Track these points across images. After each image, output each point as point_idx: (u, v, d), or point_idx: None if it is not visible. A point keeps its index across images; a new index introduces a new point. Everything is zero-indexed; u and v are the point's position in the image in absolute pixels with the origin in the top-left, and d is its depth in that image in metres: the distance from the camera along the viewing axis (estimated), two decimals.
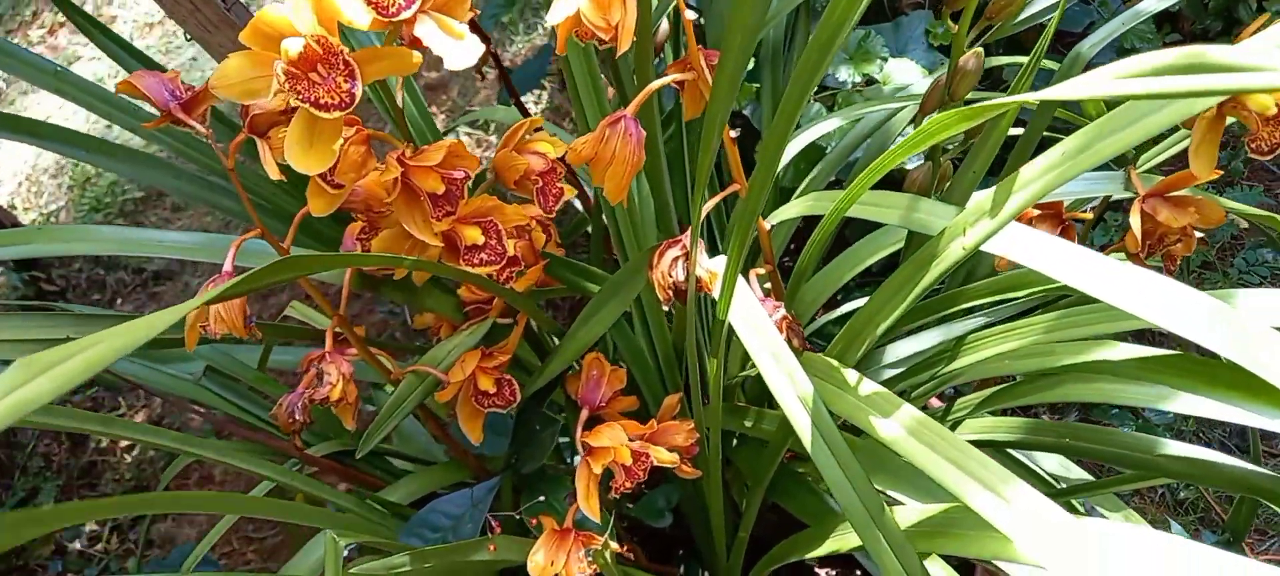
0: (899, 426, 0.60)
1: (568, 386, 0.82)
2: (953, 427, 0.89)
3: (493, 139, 2.23)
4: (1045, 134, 0.77)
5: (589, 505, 0.67)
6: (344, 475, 0.93)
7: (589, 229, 1.02)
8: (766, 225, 0.74)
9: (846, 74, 1.36)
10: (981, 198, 0.57)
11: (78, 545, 1.99)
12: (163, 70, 0.88)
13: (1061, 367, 0.70)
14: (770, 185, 0.58)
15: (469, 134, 2.25)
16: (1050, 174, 0.55)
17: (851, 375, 0.67)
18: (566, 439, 0.92)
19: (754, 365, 0.84)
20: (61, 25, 3.14)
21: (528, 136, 0.67)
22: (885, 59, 1.41)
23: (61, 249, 0.71)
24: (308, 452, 0.88)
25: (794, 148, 1.05)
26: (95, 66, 2.80)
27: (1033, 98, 0.46)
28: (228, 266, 0.63)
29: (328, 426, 0.95)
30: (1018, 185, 0.56)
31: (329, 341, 0.70)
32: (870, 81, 1.42)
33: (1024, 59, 1.19)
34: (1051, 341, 0.75)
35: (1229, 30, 1.68)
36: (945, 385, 0.81)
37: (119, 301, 2.39)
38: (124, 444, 2.11)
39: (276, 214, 0.93)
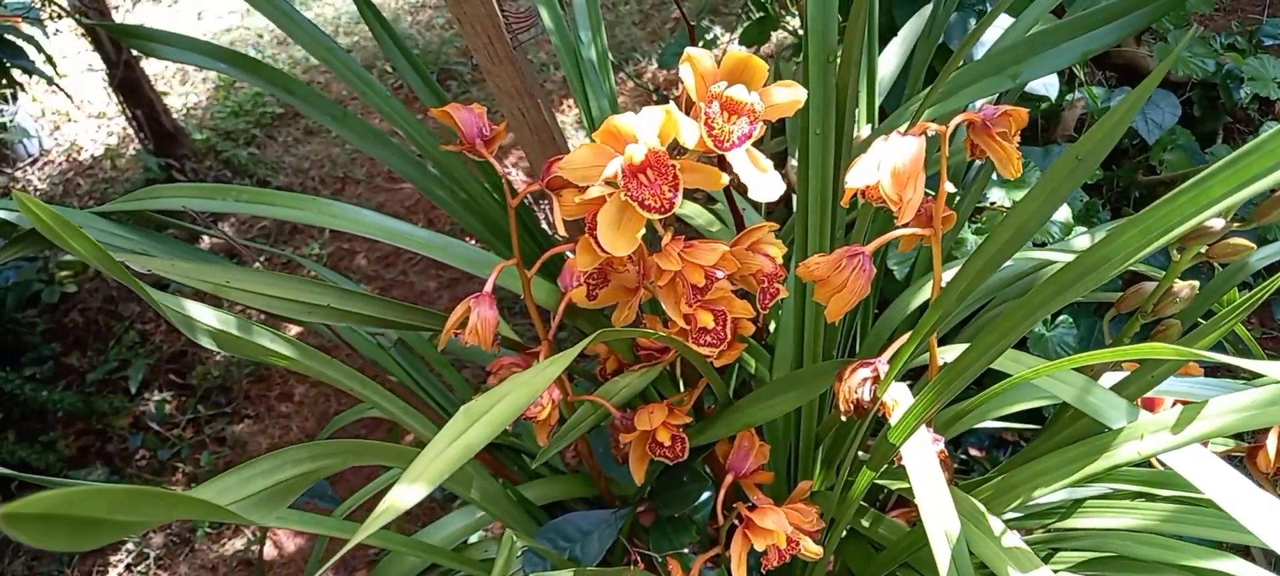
0: None
1: (718, 449, 0.90)
2: None
3: None
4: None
5: (740, 574, 0.75)
6: (487, 462, 1.02)
7: None
8: (940, 361, 0.81)
9: (998, 195, 1.43)
10: (1167, 416, 0.64)
11: (155, 426, 2.10)
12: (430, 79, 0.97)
13: (1179, 566, 0.77)
14: (971, 370, 0.65)
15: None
16: (1237, 415, 0.61)
17: (996, 524, 0.74)
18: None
19: (884, 473, 0.92)
20: None
21: (762, 239, 0.75)
22: None
23: (329, 222, 0.80)
24: None
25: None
26: None
27: (1254, 365, 0.53)
28: (489, 288, 0.72)
29: None
30: (1203, 414, 0.63)
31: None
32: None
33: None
34: (1169, 529, 0.82)
35: None
36: (1060, 546, 0.88)
37: None
38: None
39: (472, 208, 1.02)
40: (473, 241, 1.96)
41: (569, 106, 2.58)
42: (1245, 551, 1.23)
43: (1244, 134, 1.85)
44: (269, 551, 1.86)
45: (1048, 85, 1.34)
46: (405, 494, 0.38)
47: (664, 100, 2.59)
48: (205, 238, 2.33)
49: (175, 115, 2.65)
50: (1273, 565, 1.11)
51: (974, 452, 1.70)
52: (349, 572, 1.79)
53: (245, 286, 0.71)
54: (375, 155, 0.98)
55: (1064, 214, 1.40)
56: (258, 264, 2.21)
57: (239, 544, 1.88)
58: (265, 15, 0.92)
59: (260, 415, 2.12)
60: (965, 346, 0.81)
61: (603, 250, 0.61)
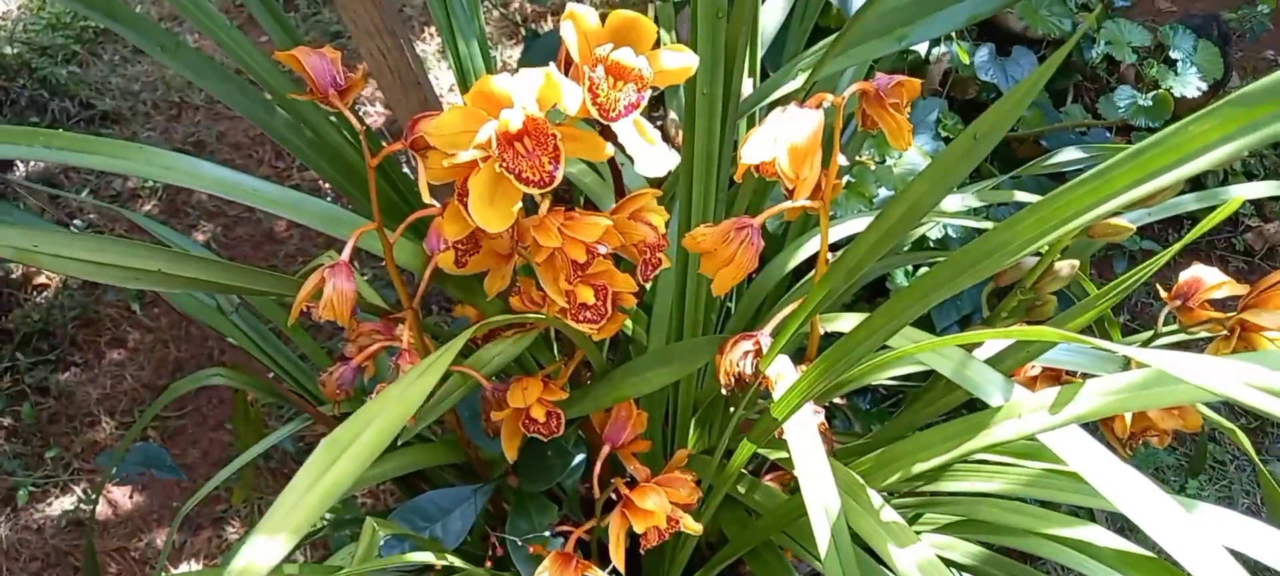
0: (913, 563, 0.67)
1: (594, 418, 0.86)
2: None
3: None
4: None
5: (617, 555, 0.72)
6: None
7: None
8: (821, 331, 0.80)
9: (865, 155, 1.43)
10: (1045, 395, 0.64)
11: None
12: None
13: (1042, 535, 0.79)
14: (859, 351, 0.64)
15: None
16: (1114, 397, 0.62)
17: (876, 498, 0.73)
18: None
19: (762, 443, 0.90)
20: None
21: (645, 206, 0.70)
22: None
23: (160, 175, 0.71)
24: (319, 409, 0.90)
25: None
26: None
27: (1133, 352, 0.53)
28: (345, 255, 0.65)
29: None
30: (1081, 395, 0.63)
31: (407, 336, 0.72)
32: (883, 160, 1.50)
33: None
34: (1033, 493, 0.84)
35: None
36: (926, 509, 0.89)
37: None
38: (38, 282, 2.03)
39: (327, 154, 0.93)
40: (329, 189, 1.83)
41: (431, 35, 2.43)
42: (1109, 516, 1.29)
43: (1092, 92, 1.93)
44: (103, 510, 1.73)
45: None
46: (265, 550, 0.33)
47: (533, 35, 2.45)
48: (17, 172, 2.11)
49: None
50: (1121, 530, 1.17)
51: (836, 400, 1.73)
52: (193, 531, 1.69)
53: (58, 251, 0.62)
54: (215, 93, 0.87)
55: None
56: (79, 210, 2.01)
57: (68, 503, 1.73)
58: None
59: (89, 363, 1.94)
60: (854, 316, 0.79)
61: (474, 223, 0.55)
